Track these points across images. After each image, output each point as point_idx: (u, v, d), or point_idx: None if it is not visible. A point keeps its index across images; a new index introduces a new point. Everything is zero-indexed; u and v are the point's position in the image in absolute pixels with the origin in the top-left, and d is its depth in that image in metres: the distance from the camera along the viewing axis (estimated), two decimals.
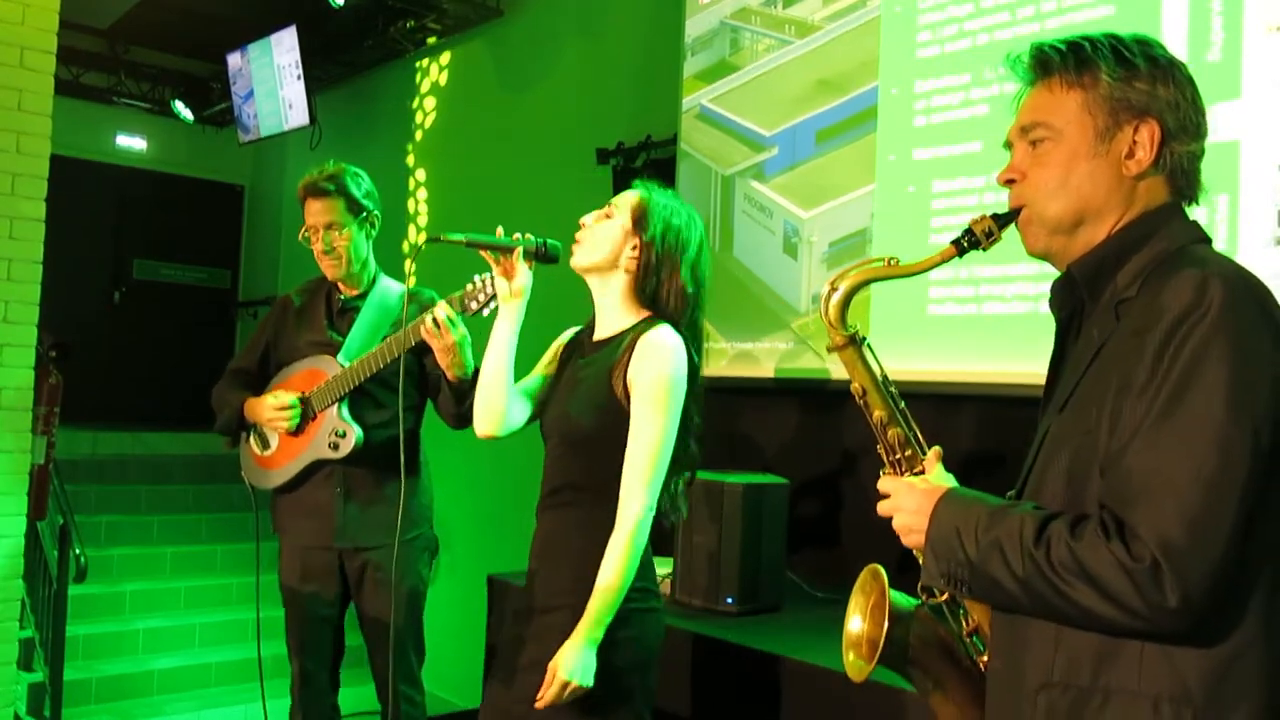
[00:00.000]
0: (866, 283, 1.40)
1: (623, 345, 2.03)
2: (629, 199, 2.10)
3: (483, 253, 2.08)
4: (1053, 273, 1.35)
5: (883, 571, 1.42)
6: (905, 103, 3.15)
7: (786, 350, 3.45)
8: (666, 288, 2.06)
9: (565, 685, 1.87)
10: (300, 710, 2.81)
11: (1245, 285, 1.14)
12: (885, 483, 1.37)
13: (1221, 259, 1.21)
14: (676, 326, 2.04)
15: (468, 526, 5.08)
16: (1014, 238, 1.36)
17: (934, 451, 1.40)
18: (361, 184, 2.81)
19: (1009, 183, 1.32)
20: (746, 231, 3.63)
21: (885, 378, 1.43)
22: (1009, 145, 1.34)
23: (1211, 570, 1.06)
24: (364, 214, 2.80)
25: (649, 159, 4.24)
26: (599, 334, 2.13)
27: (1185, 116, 1.25)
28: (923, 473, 1.38)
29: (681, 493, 2.10)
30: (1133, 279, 1.22)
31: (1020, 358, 2.78)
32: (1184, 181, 1.27)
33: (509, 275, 2.07)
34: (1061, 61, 1.28)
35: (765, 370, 3.50)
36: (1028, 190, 1.30)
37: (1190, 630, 1.08)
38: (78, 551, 4.38)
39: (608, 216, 2.09)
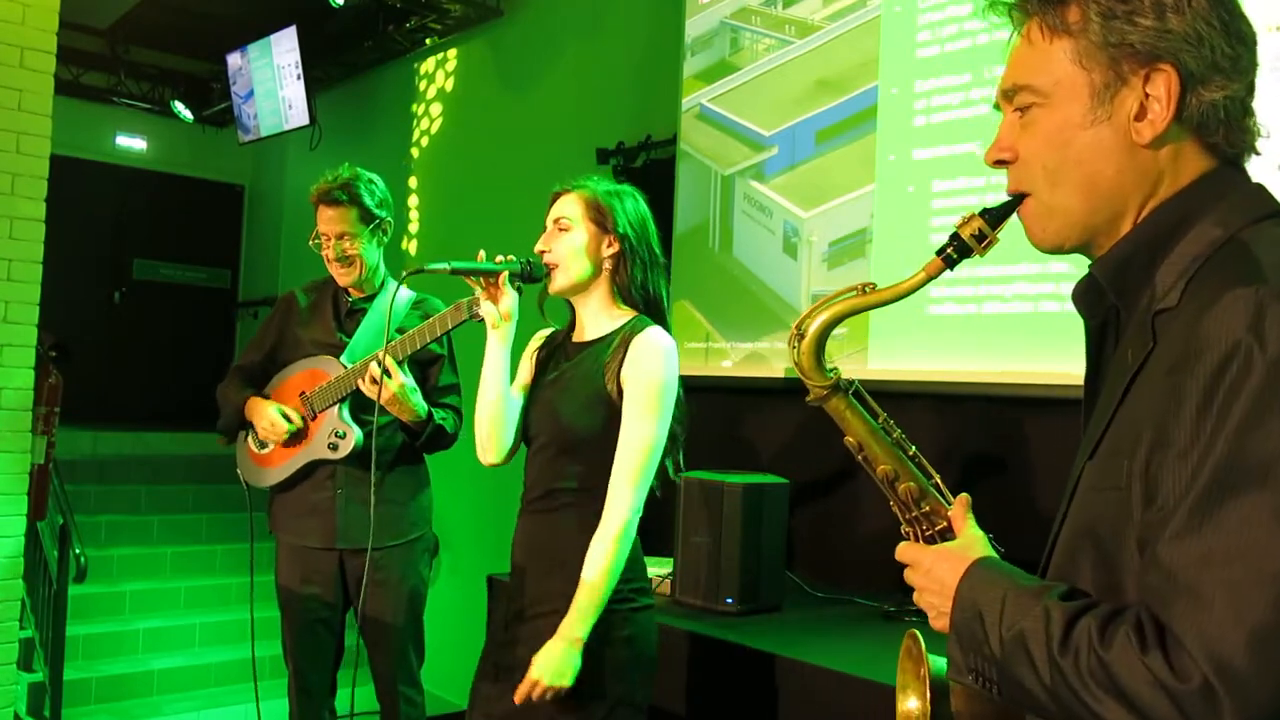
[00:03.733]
0: (839, 319, 1.19)
1: (613, 345, 2.04)
2: (575, 205, 2.07)
3: (468, 279, 2.04)
4: (1057, 269, 1.20)
5: (919, 637, 1.18)
6: (905, 103, 3.15)
7: (786, 350, 3.45)
8: (645, 273, 2.08)
9: (535, 684, 1.88)
10: (297, 713, 2.81)
11: None
12: (904, 551, 1.13)
13: None
14: (662, 322, 2.07)
15: (468, 526, 5.09)
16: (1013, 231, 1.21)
17: (960, 501, 1.15)
18: (375, 192, 2.80)
19: (999, 163, 1.06)
20: (746, 231, 3.63)
21: (886, 421, 1.21)
22: (998, 108, 1.09)
23: None
24: (376, 223, 2.79)
25: (649, 159, 4.24)
26: (582, 336, 2.12)
27: (1214, 51, 0.93)
28: (946, 529, 1.15)
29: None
30: (1175, 281, 0.93)
31: (1020, 358, 2.78)
32: (1225, 136, 0.96)
33: (495, 299, 2.03)
34: (1040, 0, 1.00)
35: (765, 370, 3.50)
36: (1023, 173, 1.03)
37: None
38: (78, 551, 4.38)
39: (563, 230, 2.05)
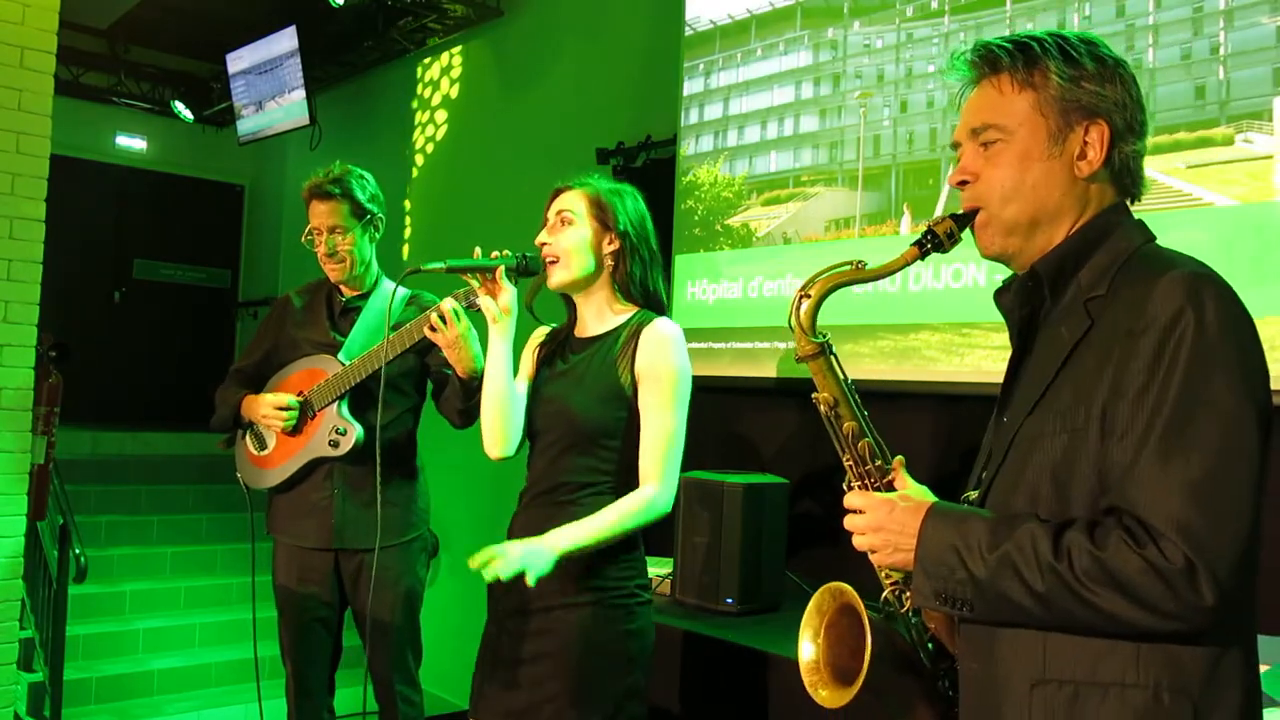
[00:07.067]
0: (836, 287, 1.37)
1: (621, 338, 2.05)
2: (579, 201, 2.08)
3: (465, 276, 2.06)
4: None
5: (849, 588, 1.37)
6: (898, 104, 3.15)
7: (786, 350, 3.45)
8: (645, 270, 2.10)
9: (503, 563, 1.85)
10: (295, 713, 2.81)
11: (1227, 286, 1.16)
12: (856, 498, 1.32)
13: (1189, 258, 1.21)
14: (662, 312, 2.09)
15: (466, 527, 5.08)
16: None
17: (898, 460, 1.37)
18: (367, 187, 2.80)
19: (961, 184, 1.32)
20: (746, 231, 3.63)
21: (852, 385, 1.39)
22: (956, 145, 1.34)
23: (1240, 565, 1.08)
24: (368, 217, 2.80)
25: (649, 159, 4.24)
26: (587, 331, 2.13)
27: (1131, 116, 1.26)
28: (891, 483, 1.34)
29: None
30: (1099, 277, 1.23)
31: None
32: (1129, 180, 1.29)
33: (494, 294, 2.05)
34: (1011, 61, 1.27)
35: (764, 370, 3.50)
36: (982, 192, 1.29)
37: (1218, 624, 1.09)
38: (78, 551, 4.38)
39: (565, 224, 2.07)
